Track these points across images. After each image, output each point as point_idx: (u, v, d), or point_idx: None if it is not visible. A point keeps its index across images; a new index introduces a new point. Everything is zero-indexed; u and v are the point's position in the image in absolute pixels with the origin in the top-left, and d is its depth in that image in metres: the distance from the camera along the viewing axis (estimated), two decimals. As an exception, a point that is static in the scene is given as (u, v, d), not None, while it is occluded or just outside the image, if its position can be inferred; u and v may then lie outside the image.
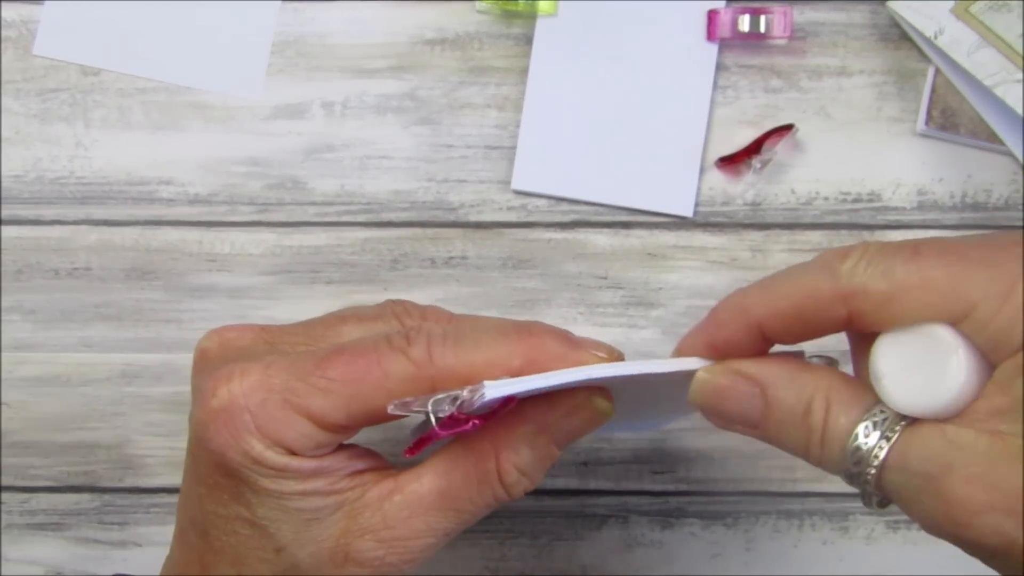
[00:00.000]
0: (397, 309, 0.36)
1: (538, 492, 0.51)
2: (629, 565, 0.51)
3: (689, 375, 0.32)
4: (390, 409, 0.31)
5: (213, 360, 0.34)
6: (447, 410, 0.30)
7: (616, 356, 0.34)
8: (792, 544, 0.51)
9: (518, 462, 0.33)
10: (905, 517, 0.50)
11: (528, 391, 0.31)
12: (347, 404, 0.32)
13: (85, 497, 0.51)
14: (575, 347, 0.33)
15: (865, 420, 0.29)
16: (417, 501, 0.33)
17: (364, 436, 0.34)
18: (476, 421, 0.31)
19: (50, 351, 0.51)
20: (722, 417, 0.32)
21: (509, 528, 0.51)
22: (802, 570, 0.50)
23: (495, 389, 0.30)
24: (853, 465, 0.29)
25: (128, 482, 0.51)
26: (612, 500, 0.51)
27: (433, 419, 0.30)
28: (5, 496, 0.51)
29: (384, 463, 0.35)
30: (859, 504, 0.50)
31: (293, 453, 0.32)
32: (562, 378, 0.31)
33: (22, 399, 0.51)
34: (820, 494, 0.51)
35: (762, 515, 0.51)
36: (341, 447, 0.34)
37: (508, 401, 0.31)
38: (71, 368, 0.51)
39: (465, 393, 0.30)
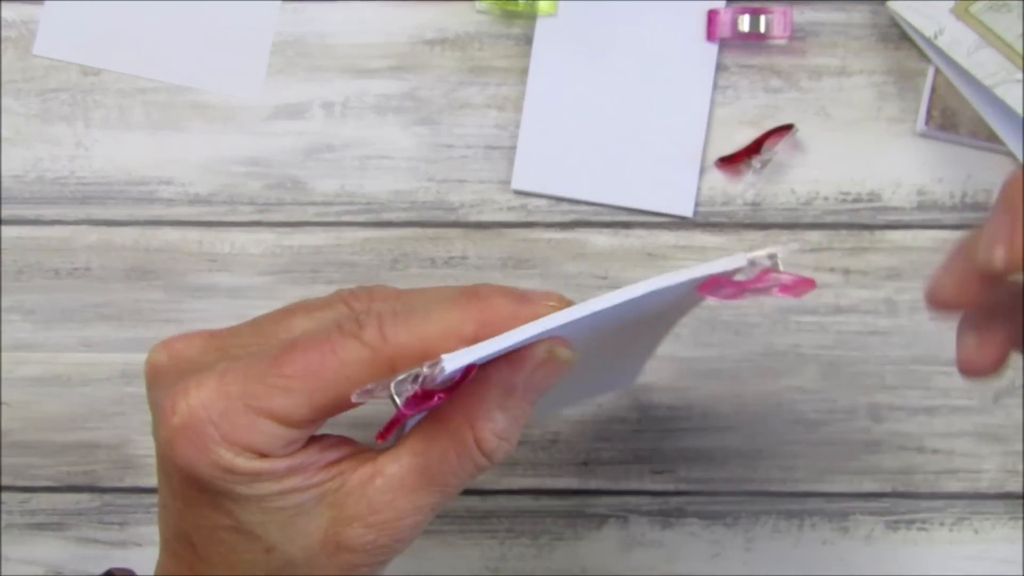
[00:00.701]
0: (344, 294, 0.36)
1: (538, 492, 0.51)
2: (629, 565, 0.51)
3: (649, 298, 0.32)
4: (354, 398, 0.30)
5: (165, 374, 0.34)
6: (410, 389, 0.30)
7: (565, 301, 0.33)
8: (792, 544, 0.51)
9: (495, 428, 0.33)
10: (905, 517, 0.50)
11: (487, 356, 0.31)
12: (309, 398, 0.31)
13: (85, 497, 0.51)
14: (525, 302, 0.33)
15: None
16: (399, 483, 0.33)
17: (333, 424, 0.35)
18: (441, 395, 0.31)
19: (50, 351, 0.51)
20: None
21: (509, 528, 0.51)
22: (802, 570, 0.50)
23: (453, 361, 0.30)
24: None
25: (128, 482, 0.51)
26: (612, 500, 0.51)
27: (398, 400, 0.30)
28: (5, 496, 0.51)
29: (359, 448, 0.34)
30: (859, 504, 0.50)
31: (264, 455, 0.32)
32: (518, 337, 0.31)
33: (22, 399, 0.51)
34: (820, 494, 0.51)
35: (762, 515, 0.51)
36: (313, 439, 0.33)
37: (469, 370, 0.31)
38: (71, 368, 0.51)
39: (425, 369, 0.30)
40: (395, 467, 0.33)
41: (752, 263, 0.34)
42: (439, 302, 0.33)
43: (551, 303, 0.33)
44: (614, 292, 0.31)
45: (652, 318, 0.38)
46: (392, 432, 0.31)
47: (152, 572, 0.36)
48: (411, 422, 0.34)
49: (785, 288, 0.34)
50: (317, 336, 0.32)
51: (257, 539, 0.33)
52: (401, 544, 0.34)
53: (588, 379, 0.42)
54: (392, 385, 0.30)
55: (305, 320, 0.34)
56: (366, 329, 0.32)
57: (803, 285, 0.34)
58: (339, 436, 0.34)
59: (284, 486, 0.32)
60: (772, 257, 0.34)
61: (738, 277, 0.34)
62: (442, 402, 0.31)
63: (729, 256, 0.33)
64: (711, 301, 0.35)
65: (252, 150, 0.51)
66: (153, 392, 0.34)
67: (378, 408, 0.32)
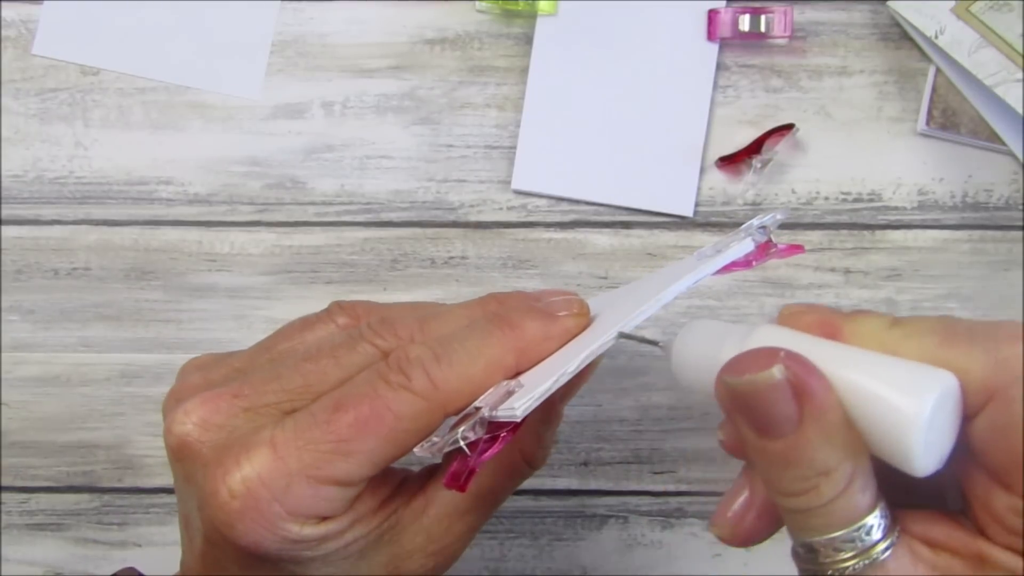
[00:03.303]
0: (366, 332, 0.34)
1: (538, 492, 0.51)
2: (629, 565, 0.51)
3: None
4: (419, 452, 0.30)
5: (198, 448, 0.32)
6: (474, 436, 0.30)
7: (585, 308, 0.34)
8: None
9: (541, 444, 0.34)
10: (905, 517, 0.50)
11: (549, 392, 0.31)
12: (369, 459, 0.31)
13: (85, 497, 0.51)
14: (551, 320, 0.33)
15: (877, 511, 0.27)
16: (454, 509, 0.34)
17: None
18: (506, 435, 0.31)
19: (49, 351, 0.51)
20: (750, 405, 0.28)
21: (509, 528, 0.51)
22: (802, 570, 0.50)
23: (524, 405, 0.29)
24: (843, 547, 0.27)
25: (128, 482, 0.51)
26: (612, 500, 0.51)
27: (467, 450, 0.30)
28: (5, 496, 0.51)
29: (402, 475, 0.35)
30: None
31: (328, 518, 0.32)
32: (572, 367, 0.31)
33: (22, 399, 0.51)
34: (820, 494, 0.51)
35: (762, 515, 0.51)
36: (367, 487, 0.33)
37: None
38: (71, 368, 0.51)
39: (486, 413, 0.30)
40: (447, 495, 0.33)
41: (756, 242, 0.35)
42: (475, 338, 0.32)
43: (574, 311, 0.33)
44: (662, 294, 0.32)
45: None
46: (471, 481, 0.31)
47: (152, 572, 0.36)
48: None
49: (778, 254, 0.36)
50: (362, 391, 0.31)
51: None
52: (456, 560, 0.34)
53: None
54: (459, 435, 0.30)
55: (335, 368, 0.33)
56: (414, 380, 0.31)
57: (793, 250, 0.35)
58: (385, 472, 0.33)
59: (347, 538, 0.32)
60: (764, 230, 0.35)
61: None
62: (507, 442, 0.31)
63: (736, 241, 0.34)
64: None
65: (252, 150, 0.51)
66: (188, 467, 0.32)
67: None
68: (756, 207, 0.51)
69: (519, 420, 0.30)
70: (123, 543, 0.51)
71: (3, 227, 0.52)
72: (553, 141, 0.51)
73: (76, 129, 0.52)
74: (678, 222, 0.51)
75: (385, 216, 0.51)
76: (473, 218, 0.51)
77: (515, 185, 0.51)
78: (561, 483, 0.51)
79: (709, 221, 0.51)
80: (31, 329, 0.51)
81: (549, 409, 0.34)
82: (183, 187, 0.51)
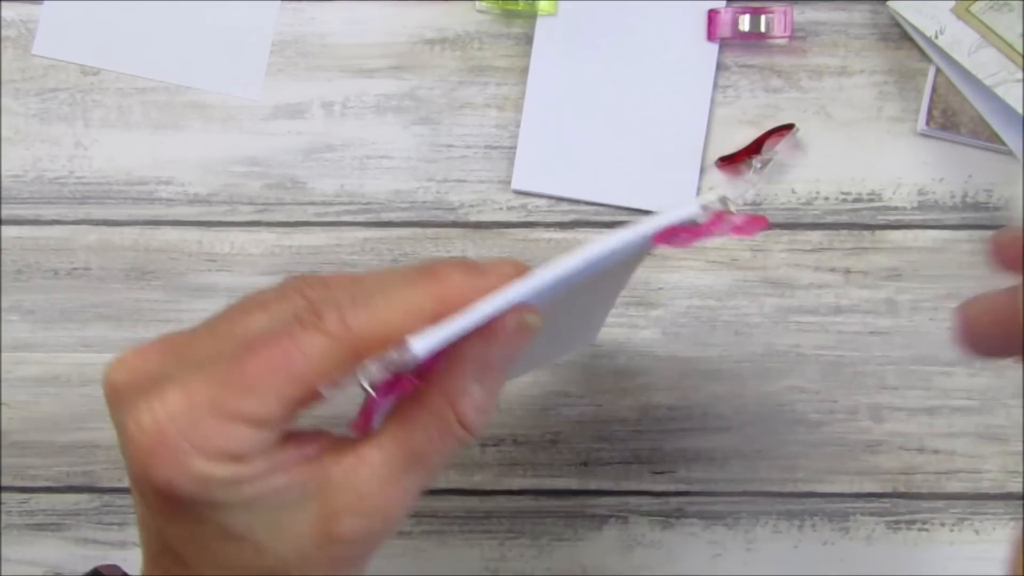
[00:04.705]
0: (298, 284, 0.35)
1: (538, 492, 0.51)
2: (629, 565, 0.51)
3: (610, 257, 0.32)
4: (324, 393, 0.30)
5: (126, 392, 0.33)
6: (379, 376, 0.30)
7: (521, 267, 0.34)
8: (792, 545, 0.51)
9: (474, 403, 0.33)
10: (906, 518, 0.50)
11: (455, 334, 0.31)
12: (277, 397, 0.31)
13: (84, 497, 0.51)
14: (482, 274, 0.33)
15: None
16: (385, 469, 0.33)
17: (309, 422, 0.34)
18: (411, 379, 0.31)
19: (49, 351, 0.51)
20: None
21: (509, 528, 0.51)
22: (803, 571, 0.50)
23: (421, 344, 0.30)
24: None
25: (127, 482, 0.51)
26: (612, 500, 0.51)
27: (369, 389, 0.30)
28: (5, 496, 0.51)
29: (337, 439, 0.34)
30: (860, 504, 0.50)
31: (240, 459, 0.31)
32: (483, 312, 0.31)
33: (22, 399, 0.51)
34: (821, 495, 0.50)
35: (762, 515, 0.51)
36: (289, 436, 0.33)
37: (441, 354, 0.31)
38: (70, 368, 0.51)
39: (394, 355, 0.30)
40: (379, 453, 0.33)
41: (705, 208, 0.34)
42: (397, 283, 0.32)
43: (506, 270, 0.33)
44: (572, 254, 0.32)
45: (610, 274, 0.38)
46: (368, 421, 0.31)
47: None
48: (380, 410, 0.34)
49: (738, 228, 0.34)
50: (277, 332, 0.31)
51: (246, 542, 0.32)
52: (394, 525, 0.34)
53: (553, 341, 0.42)
54: (361, 375, 0.30)
55: (263, 317, 0.33)
56: (326, 319, 0.31)
57: (755, 224, 0.34)
58: (315, 430, 0.34)
59: (266, 486, 0.32)
60: (724, 200, 0.34)
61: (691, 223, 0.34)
62: (412, 386, 0.31)
63: (681, 205, 0.33)
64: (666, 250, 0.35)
65: (252, 150, 0.51)
66: (116, 413, 0.33)
67: (354, 401, 0.32)
68: (756, 207, 0.51)
69: (416, 358, 0.29)
70: (123, 543, 0.51)
71: (3, 227, 0.52)
72: (553, 141, 0.51)
73: (76, 129, 0.52)
74: (678, 222, 0.51)
75: (385, 216, 0.51)
76: (473, 218, 0.51)
77: (515, 185, 0.51)
78: (561, 483, 0.51)
79: (709, 221, 0.51)
80: (31, 329, 0.51)
81: (484, 367, 0.33)
82: (183, 187, 0.51)
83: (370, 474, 0.33)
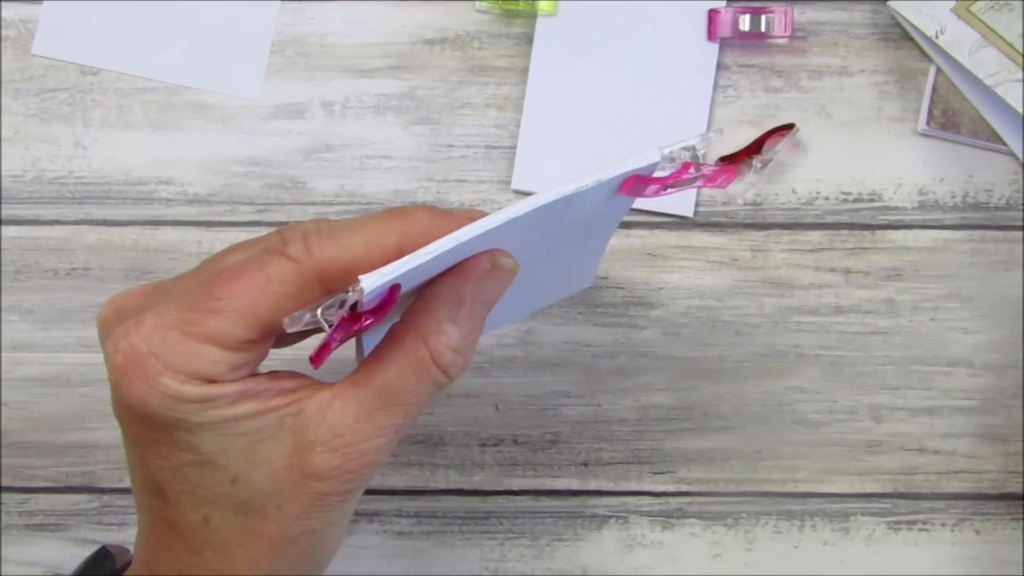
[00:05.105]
0: (281, 228, 0.36)
1: (538, 492, 0.51)
2: (629, 566, 0.51)
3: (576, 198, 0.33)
4: (284, 324, 0.31)
5: (111, 323, 0.35)
6: (338, 313, 0.31)
7: (481, 212, 0.34)
8: (793, 545, 0.51)
9: (448, 342, 0.34)
10: (907, 518, 0.50)
11: (411, 270, 0.31)
12: (242, 318, 0.32)
13: (84, 498, 0.51)
14: (446, 216, 0.34)
15: None
16: (358, 405, 0.33)
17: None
18: (368, 317, 0.31)
19: (49, 351, 0.51)
20: None
21: (509, 528, 0.51)
22: (803, 571, 0.50)
23: (371, 279, 0.30)
24: None
25: (127, 483, 0.51)
26: (612, 500, 0.51)
27: (325, 325, 0.31)
28: (5, 496, 0.51)
29: (312, 380, 0.35)
30: (860, 504, 0.50)
31: (211, 381, 0.32)
32: (442, 246, 0.31)
33: (21, 399, 0.51)
34: (821, 495, 0.50)
35: (763, 516, 0.51)
36: (267, 374, 0.34)
37: (394, 290, 0.31)
38: (70, 368, 0.51)
39: (350, 293, 0.30)
40: (353, 390, 0.33)
41: (672, 159, 0.34)
42: (366, 221, 0.33)
43: (474, 215, 0.33)
44: (527, 199, 0.32)
45: (590, 222, 0.38)
46: (324, 356, 0.32)
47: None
48: (367, 348, 0.34)
49: (708, 179, 0.34)
50: (246, 259, 0.33)
51: (221, 469, 0.33)
52: (368, 470, 0.34)
53: (544, 283, 0.43)
54: (319, 311, 0.31)
55: (240, 254, 0.35)
56: (291, 245, 0.33)
57: (725, 174, 0.34)
58: (291, 371, 0.35)
59: (238, 411, 0.33)
60: (691, 149, 0.34)
61: (658, 173, 0.34)
62: (371, 324, 0.31)
63: (644, 153, 0.34)
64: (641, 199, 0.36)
65: (251, 150, 0.51)
66: (102, 345, 0.35)
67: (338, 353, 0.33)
68: (756, 207, 0.51)
69: (364, 292, 0.30)
70: (123, 543, 0.51)
71: (3, 227, 0.52)
72: (553, 141, 0.51)
73: (76, 129, 0.52)
74: (678, 222, 0.51)
75: (385, 216, 0.51)
76: (473, 218, 0.51)
77: (515, 185, 0.51)
78: (561, 483, 0.51)
79: (709, 221, 0.51)
80: (31, 329, 0.51)
81: (457, 305, 0.34)
82: (183, 187, 0.51)
83: (344, 408, 0.33)
